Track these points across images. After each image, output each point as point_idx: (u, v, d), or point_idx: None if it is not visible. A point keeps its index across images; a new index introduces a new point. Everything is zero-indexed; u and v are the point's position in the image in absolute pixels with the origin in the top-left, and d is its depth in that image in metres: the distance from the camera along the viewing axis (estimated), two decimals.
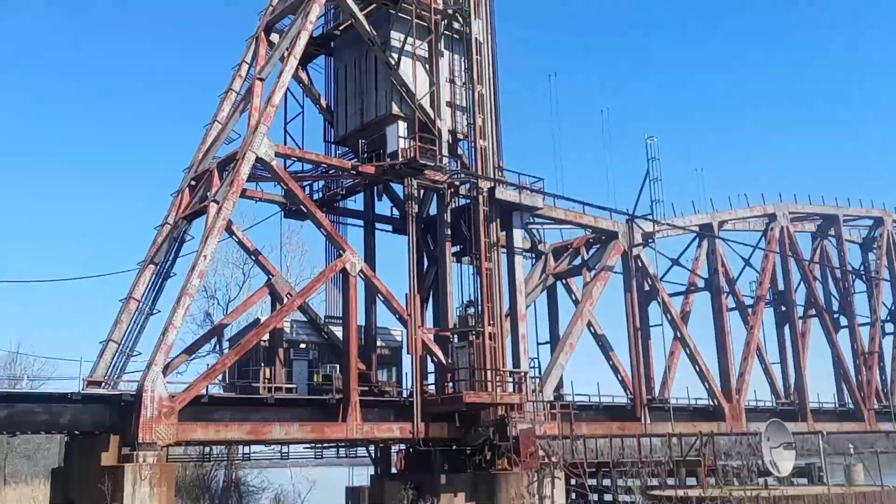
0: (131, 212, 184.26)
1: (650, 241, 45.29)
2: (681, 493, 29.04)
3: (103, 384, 31.22)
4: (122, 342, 32.80)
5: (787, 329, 56.62)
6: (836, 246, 62.00)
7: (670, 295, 48.42)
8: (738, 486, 28.14)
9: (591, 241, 46.08)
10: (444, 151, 35.92)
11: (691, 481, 34.64)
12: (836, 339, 58.70)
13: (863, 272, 64.96)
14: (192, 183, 35.30)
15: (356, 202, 39.58)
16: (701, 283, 51.42)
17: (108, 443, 27.70)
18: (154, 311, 33.81)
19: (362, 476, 37.55)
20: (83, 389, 27.66)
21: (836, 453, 52.94)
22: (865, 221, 66.23)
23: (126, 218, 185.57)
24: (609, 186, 57.47)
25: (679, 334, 46.91)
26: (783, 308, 56.55)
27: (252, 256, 38.54)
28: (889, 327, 65.60)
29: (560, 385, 41.98)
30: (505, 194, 36.62)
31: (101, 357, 32.44)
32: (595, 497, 35.47)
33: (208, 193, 32.76)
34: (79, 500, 27.77)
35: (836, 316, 60.80)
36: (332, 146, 39.12)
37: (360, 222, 39.56)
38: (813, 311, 58.34)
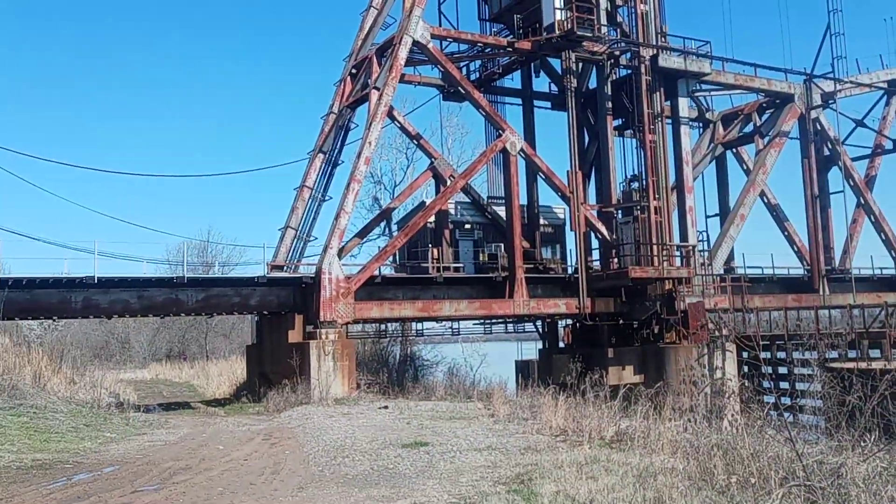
0: (298, 103, 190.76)
1: (831, 101, 42.02)
2: (863, 365, 27.96)
3: (285, 268, 33.47)
4: (299, 228, 34.79)
5: None
6: None
7: (853, 159, 45.09)
8: None
9: (763, 105, 43.33)
10: (603, 20, 34.46)
11: (874, 354, 33.15)
12: None
13: None
14: (353, 71, 35.98)
15: (513, 80, 39.09)
16: (889, 145, 47.43)
17: (293, 321, 29.98)
18: (326, 198, 35.51)
19: (530, 350, 38.54)
20: (267, 273, 29.78)
21: None
22: None
23: (293, 109, 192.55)
24: (784, 45, 53.73)
25: (862, 200, 43.92)
26: None
27: (414, 140, 39.19)
28: None
29: (731, 258, 40.73)
30: (669, 61, 34.88)
31: (281, 242, 34.63)
32: (769, 369, 34.80)
33: (369, 81, 33.34)
34: (271, 372, 30.43)
35: None
36: (487, 24, 38.43)
37: (518, 100, 39.10)
38: None
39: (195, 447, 16.35)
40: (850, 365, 28.12)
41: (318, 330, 28.09)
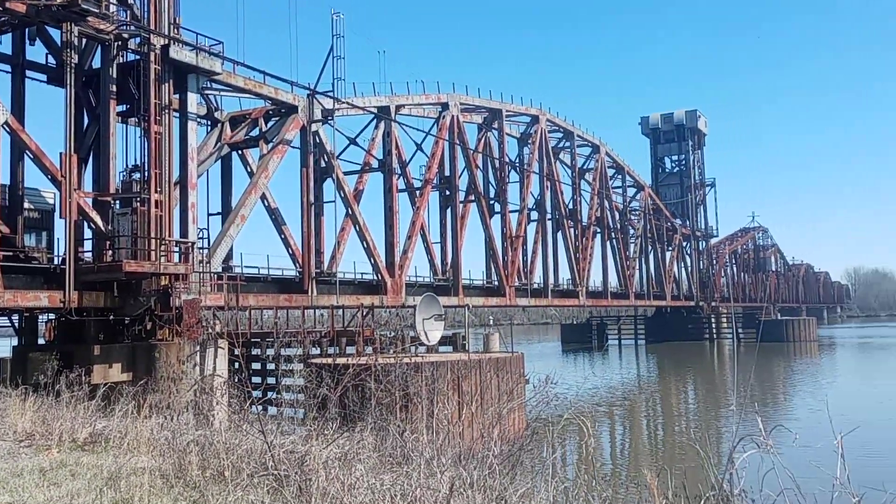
0: None
1: (329, 118, 45.57)
2: (337, 360, 30.68)
3: None
4: None
5: (449, 212, 61.16)
6: (498, 138, 67.60)
7: (345, 173, 49.59)
8: (389, 354, 30.35)
9: (270, 112, 45.22)
10: None
11: (352, 350, 36.69)
12: (490, 223, 64.78)
13: (517, 164, 71.94)
14: None
15: (2, 45, 34.68)
16: (375, 164, 53.25)
17: None
18: None
19: (4, 348, 34.51)
20: None
21: (480, 324, 59.22)
22: (524, 118, 73.01)
23: None
24: (293, 60, 56.81)
25: (350, 211, 48.45)
26: (447, 192, 60.81)
27: None
28: (534, 215, 73.97)
29: (230, 256, 41.61)
30: (180, 54, 34.34)
31: None
32: (258, 365, 36.30)
33: None
34: None
35: (491, 202, 66.89)
36: None
37: (8, 68, 34.83)
38: (472, 197, 63.54)
39: None
40: (325, 360, 30.72)
41: None
